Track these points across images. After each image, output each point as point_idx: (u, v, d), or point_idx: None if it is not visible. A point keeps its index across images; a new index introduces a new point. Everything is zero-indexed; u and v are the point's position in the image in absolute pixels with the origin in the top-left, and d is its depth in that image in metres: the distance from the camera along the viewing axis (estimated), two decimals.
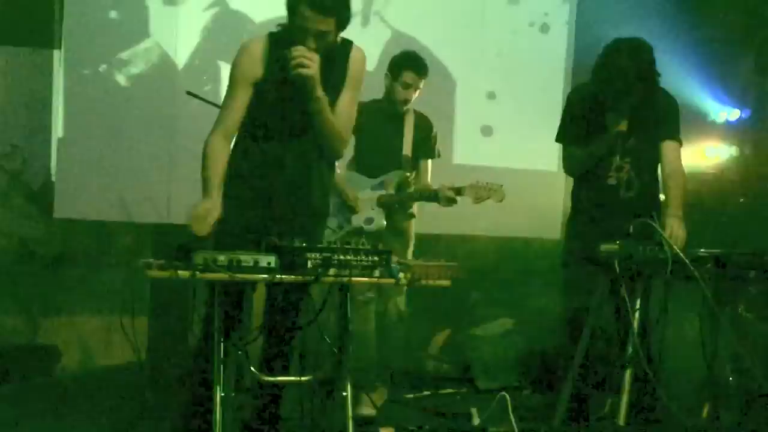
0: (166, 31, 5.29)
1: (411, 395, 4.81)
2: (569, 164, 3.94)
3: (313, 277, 2.90)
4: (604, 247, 3.32)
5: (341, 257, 2.96)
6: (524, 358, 5.23)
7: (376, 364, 4.31)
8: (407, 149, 4.50)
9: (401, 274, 3.01)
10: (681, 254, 3.19)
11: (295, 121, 3.18)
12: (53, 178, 5.38)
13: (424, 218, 4.77)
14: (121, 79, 5.32)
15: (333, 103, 3.20)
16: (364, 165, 4.53)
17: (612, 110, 3.69)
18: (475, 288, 5.74)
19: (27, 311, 5.54)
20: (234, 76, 3.20)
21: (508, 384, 5.00)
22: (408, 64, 4.43)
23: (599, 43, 3.74)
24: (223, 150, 3.18)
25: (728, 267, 3.23)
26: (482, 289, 5.78)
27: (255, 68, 3.17)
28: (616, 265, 3.27)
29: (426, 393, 4.87)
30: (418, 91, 4.46)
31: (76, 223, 5.47)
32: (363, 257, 2.99)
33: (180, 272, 2.82)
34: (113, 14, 5.24)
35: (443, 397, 4.86)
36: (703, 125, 6.07)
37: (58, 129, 5.31)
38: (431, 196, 4.44)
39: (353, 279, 2.96)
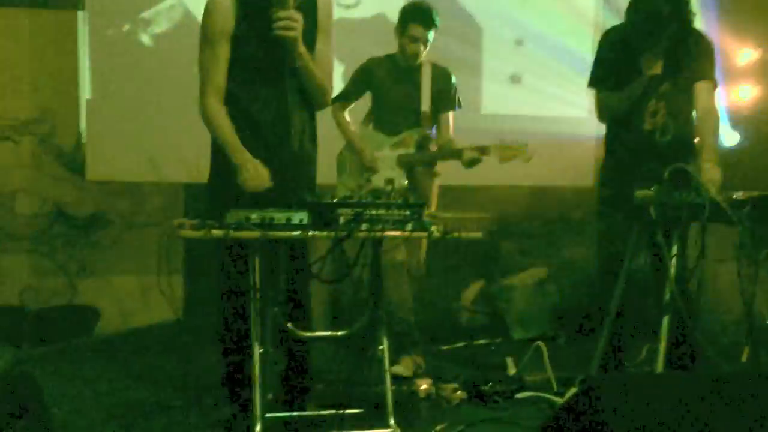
0: None
1: (446, 347, 4.82)
2: (602, 110, 3.84)
3: (345, 233, 2.90)
4: (640, 193, 3.27)
5: (373, 212, 2.96)
6: (559, 308, 5.22)
7: (415, 326, 4.28)
8: (426, 104, 4.34)
9: (433, 227, 3.01)
10: (718, 198, 3.13)
11: (274, 75, 3.15)
12: (83, 141, 5.42)
13: (450, 169, 4.72)
14: (145, 38, 5.32)
15: (310, 51, 3.18)
16: (381, 122, 4.41)
17: (646, 52, 3.61)
18: (507, 239, 5.72)
19: (65, 272, 5.62)
20: (208, 34, 3.16)
21: (543, 334, 5.00)
22: (414, 16, 4.26)
23: None
24: (222, 110, 3.17)
25: (766, 209, 3.17)
26: (514, 240, 5.76)
27: (227, 23, 3.13)
28: (652, 211, 3.22)
29: (460, 344, 4.88)
30: (427, 44, 4.29)
31: (108, 184, 5.52)
32: (395, 211, 2.98)
33: (214, 231, 2.84)
34: None
35: (478, 348, 4.87)
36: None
37: (86, 90, 5.33)
38: (454, 154, 4.25)
39: (386, 233, 2.95)
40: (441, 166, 4.44)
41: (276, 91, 3.17)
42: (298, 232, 2.90)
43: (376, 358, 3.18)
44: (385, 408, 3.13)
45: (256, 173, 3.10)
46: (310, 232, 2.90)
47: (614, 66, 3.74)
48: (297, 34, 3.06)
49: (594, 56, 3.87)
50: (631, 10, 3.57)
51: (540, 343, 3.75)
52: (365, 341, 3.28)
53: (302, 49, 3.10)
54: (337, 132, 4.45)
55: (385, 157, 4.35)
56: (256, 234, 2.87)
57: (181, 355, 4.47)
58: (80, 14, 5.32)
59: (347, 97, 4.44)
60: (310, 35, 3.19)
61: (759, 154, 5.41)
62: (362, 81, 4.42)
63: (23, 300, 5.56)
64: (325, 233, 2.92)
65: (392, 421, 3.12)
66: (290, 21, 3.02)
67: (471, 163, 4.16)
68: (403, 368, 4.15)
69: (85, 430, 3.35)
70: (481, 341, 5.00)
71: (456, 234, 3.01)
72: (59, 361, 4.51)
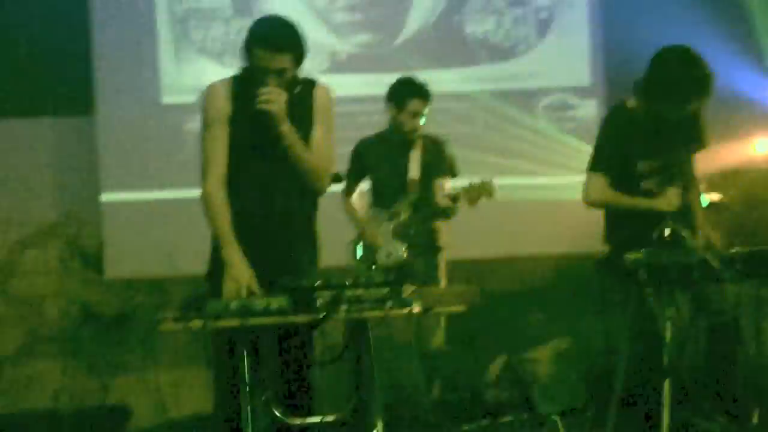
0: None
1: (468, 426, 4.70)
2: (593, 197, 3.66)
3: (322, 316, 2.89)
4: (629, 256, 3.21)
5: (352, 292, 2.94)
6: (587, 377, 5.07)
7: (430, 407, 4.23)
8: (414, 173, 4.39)
9: (414, 304, 2.97)
10: (706, 256, 3.06)
11: (263, 156, 3.17)
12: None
13: (469, 241, 4.71)
14: (153, 131, 5.48)
15: (305, 139, 3.19)
16: (379, 199, 4.49)
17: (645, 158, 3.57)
18: (531, 309, 5.62)
19: (96, 373, 5.69)
20: (206, 119, 3.21)
21: (572, 406, 4.85)
22: (412, 92, 4.34)
23: None
24: (223, 197, 3.19)
25: (759, 265, 3.07)
26: (537, 311, 5.65)
27: (225, 106, 3.18)
28: (641, 274, 3.14)
29: (484, 423, 4.75)
30: (424, 118, 4.36)
31: (132, 282, 5.62)
32: (374, 290, 2.96)
33: (192, 323, 2.85)
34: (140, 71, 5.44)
35: (502, 426, 4.74)
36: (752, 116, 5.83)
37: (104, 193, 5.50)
38: (436, 213, 4.35)
39: (364, 314, 2.93)
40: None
41: (264, 172, 3.19)
42: (276, 318, 2.89)
43: None
44: None
45: (235, 277, 3.08)
46: (289, 317, 2.89)
47: (616, 155, 3.62)
48: (277, 108, 3.07)
49: (597, 138, 3.71)
50: (651, 83, 3.49)
51: (555, 417, 3.63)
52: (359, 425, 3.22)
53: (286, 128, 3.12)
54: None
55: (384, 232, 4.39)
56: (235, 323, 2.87)
57: None
58: (98, 118, 5.52)
59: (349, 185, 4.54)
60: (305, 122, 3.22)
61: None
62: (357, 165, 4.51)
63: (56, 403, 5.65)
64: (304, 317, 2.90)
65: None
66: (270, 95, 3.06)
67: (445, 213, 4.32)
68: None
69: None
70: (507, 418, 4.86)
71: (437, 309, 2.97)
72: None
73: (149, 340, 5.65)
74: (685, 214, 3.59)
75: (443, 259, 4.47)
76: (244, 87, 3.16)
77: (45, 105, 5.49)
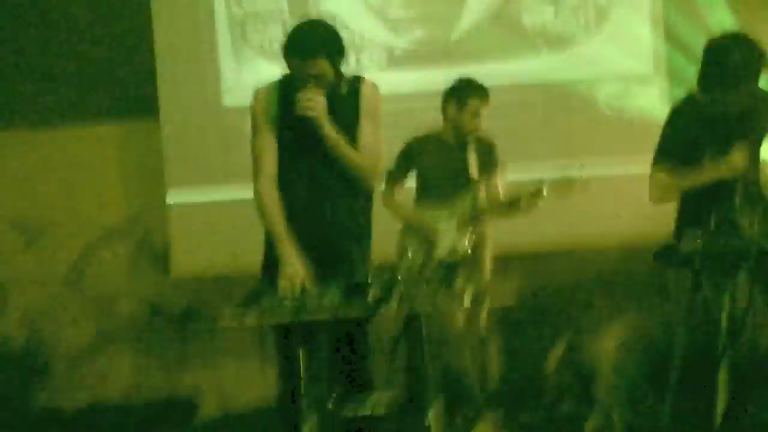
0: None
1: (525, 416, 4.71)
2: (656, 193, 3.65)
3: (373, 310, 2.94)
4: (685, 243, 3.17)
5: (402, 288, 2.99)
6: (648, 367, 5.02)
7: (480, 395, 4.27)
8: (473, 171, 4.45)
9: (465, 296, 3.01)
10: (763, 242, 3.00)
11: (309, 156, 3.25)
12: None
13: (530, 233, 4.69)
14: (215, 132, 5.59)
15: (352, 138, 3.24)
16: (430, 196, 4.50)
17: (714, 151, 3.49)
18: (590, 301, 5.56)
19: (164, 368, 5.86)
20: (255, 121, 3.31)
21: (632, 397, 4.81)
22: (474, 92, 4.41)
23: None
24: (272, 195, 3.27)
25: None
26: (596, 302, 5.59)
27: (272, 110, 3.28)
28: (696, 262, 3.11)
29: (542, 413, 4.76)
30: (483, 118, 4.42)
31: (198, 280, 5.76)
32: (425, 285, 3.00)
33: (247, 319, 2.93)
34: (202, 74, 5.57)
35: (560, 417, 4.74)
36: None
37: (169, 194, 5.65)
38: (511, 204, 4.37)
39: (415, 308, 2.97)
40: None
41: (313, 171, 3.27)
42: (328, 314, 2.95)
43: None
44: None
45: (290, 274, 3.14)
46: (341, 312, 2.95)
47: (681, 148, 3.57)
48: (317, 113, 3.15)
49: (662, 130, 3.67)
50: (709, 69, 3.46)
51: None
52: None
53: (329, 131, 3.19)
54: None
55: (444, 228, 4.41)
56: (288, 318, 2.94)
57: None
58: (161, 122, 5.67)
59: (396, 180, 4.56)
60: (351, 121, 3.28)
61: None
62: (407, 163, 4.54)
63: (127, 397, 5.83)
64: (355, 312, 2.96)
65: None
66: (309, 101, 3.13)
67: (528, 205, 4.29)
68: None
69: None
70: (566, 409, 4.85)
71: (486, 304, 3.00)
72: None
73: (215, 336, 5.80)
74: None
75: (489, 249, 4.51)
76: (288, 90, 3.24)
77: (110, 109, 5.65)
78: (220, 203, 5.52)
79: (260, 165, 3.29)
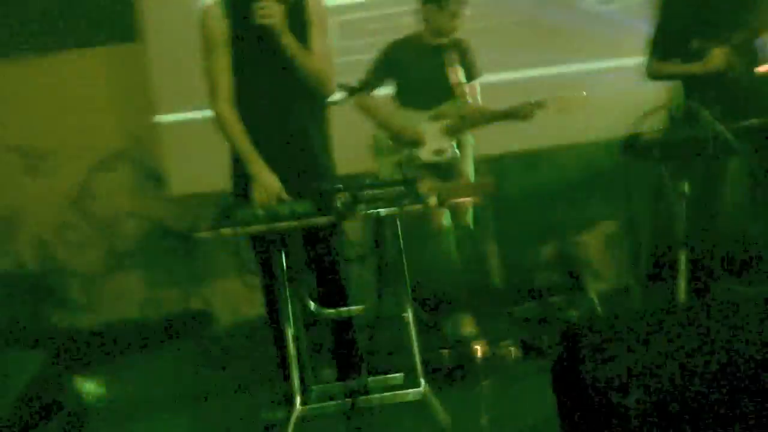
0: None
1: (515, 308, 4.88)
2: (654, 75, 3.92)
3: (342, 215, 3.08)
4: (646, 134, 3.27)
5: (369, 192, 3.12)
6: (635, 256, 5.15)
7: (466, 290, 4.43)
8: (456, 76, 4.45)
9: (431, 198, 3.13)
10: (720, 129, 3.08)
11: (270, 69, 3.33)
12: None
13: (520, 132, 4.76)
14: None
15: (306, 47, 3.32)
16: (409, 101, 4.53)
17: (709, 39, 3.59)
18: (583, 197, 5.65)
19: (175, 282, 6.08)
20: (206, 41, 3.37)
21: (619, 285, 4.97)
22: None
23: None
24: (233, 115, 3.37)
25: None
26: (587, 198, 5.68)
27: (223, 26, 3.34)
28: (655, 152, 3.21)
29: (531, 304, 4.92)
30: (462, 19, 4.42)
31: (198, 196, 5.90)
32: (390, 189, 3.13)
33: (222, 230, 3.09)
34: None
35: (549, 307, 4.90)
36: None
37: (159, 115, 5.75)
38: (507, 114, 4.39)
39: (381, 211, 3.10)
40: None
41: (273, 84, 3.36)
42: (298, 221, 3.10)
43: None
44: (414, 370, 3.27)
45: (265, 188, 3.30)
46: (311, 219, 3.10)
47: (674, 37, 3.75)
48: (276, 21, 3.22)
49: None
50: None
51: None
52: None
53: (288, 39, 3.27)
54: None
55: (430, 131, 4.46)
56: (262, 227, 3.09)
57: None
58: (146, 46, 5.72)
59: (372, 85, 4.57)
60: (303, 31, 3.36)
61: None
62: (385, 68, 4.55)
63: (143, 312, 6.09)
64: (325, 218, 3.10)
65: (422, 381, 3.26)
66: (269, 9, 3.20)
67: (525, 118, 4.33)
68: (469, 328, 4.32)
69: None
70: (555, 299, 5.00)
71: (452, 200, 3.12)
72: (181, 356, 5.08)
73: (220, 250, 5.99)
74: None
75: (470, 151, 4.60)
76: (238, 4, 3.29)
77: (96, 35, 5.71)
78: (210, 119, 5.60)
79: (217, 86, 3.38)
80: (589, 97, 4.24)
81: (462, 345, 4.07)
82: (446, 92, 4.47)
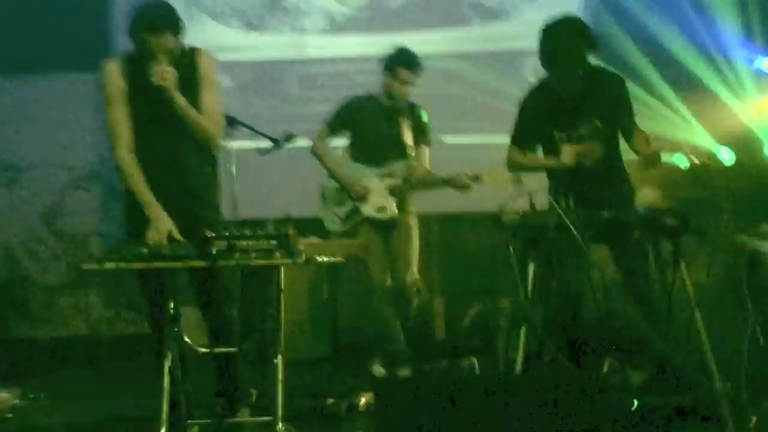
0: None
1: (428, 365, 5.04)
2: (512, 166, 4.08)
3: (216, 262, 3.32)
4: (507, 216, 3.48)
5: (244, 243, 3.36)
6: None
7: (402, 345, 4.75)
8: (409, 139, 4.74)
9: (300, 254, 3.35)
10: (566, 219, 3.28)
11: (163, 126, 3.60)
12: None
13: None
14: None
15: (195, 104, 3.60)
16: (363, 156, 4.77)
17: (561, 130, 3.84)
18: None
19: (133, 305, 6.28)
20: (106, 95, 3.64)
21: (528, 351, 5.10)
22: (403, 61, 4.64)
23: None
24: (132, 160, 3.64)
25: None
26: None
27: (120, 83, 3.61)
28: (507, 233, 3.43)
29: (442, 363, 5.08)
30: (413, 86, 4.70)
31: None
32: (265, 241, 3.36)
33: (107, 264, 3.35)
34: None
35: (455, 368, 5.03)
36: None
37: None
38: (446, 181, 4.67)
39: (253, 261, 3.34)
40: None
41: (167, 136, 3.63)
42: (175, 263, 3.34)
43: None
44: (275, 412, 3.44)
45: (158, 230, 3.54)
46: (187, 262, 3.34)
47: (532, 129, 3.97)
48: (169, 84, 3.51)
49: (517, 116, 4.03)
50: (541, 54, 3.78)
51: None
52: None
53: (178, 99, 3.56)
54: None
55: (375, 187, 4.73)
56: (141, 265, 3.35)
57: None
58: None
59: (328, 133, 4.84)
60: (193, 89, 3.64)
61: None
62: (344, 120, 4.80)
63: (97, 330, 6.40)
64: (200, 263, 3.34)
65: (281, 425, 3.42)
66: (164, 73, 3.49)
67: (463, 188, 4.63)
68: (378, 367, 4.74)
69: None
70: (465, 361, 5.15)
71: (316, 260, 3.36)
72: None
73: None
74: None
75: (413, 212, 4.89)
76: (135, 66, 3.59)
77: (77, 62, 5.97)
78: None
79: (118, 135, 3.65)
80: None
81: (352, 394, 4.26)
82: (396, 152, 4.75)
